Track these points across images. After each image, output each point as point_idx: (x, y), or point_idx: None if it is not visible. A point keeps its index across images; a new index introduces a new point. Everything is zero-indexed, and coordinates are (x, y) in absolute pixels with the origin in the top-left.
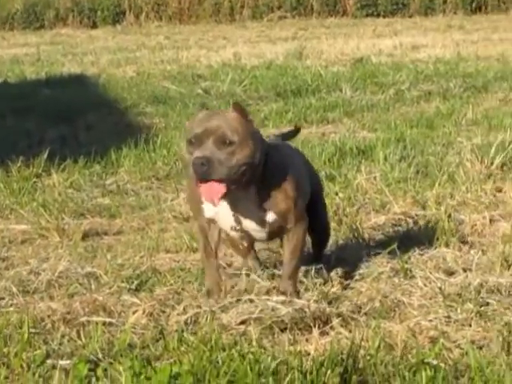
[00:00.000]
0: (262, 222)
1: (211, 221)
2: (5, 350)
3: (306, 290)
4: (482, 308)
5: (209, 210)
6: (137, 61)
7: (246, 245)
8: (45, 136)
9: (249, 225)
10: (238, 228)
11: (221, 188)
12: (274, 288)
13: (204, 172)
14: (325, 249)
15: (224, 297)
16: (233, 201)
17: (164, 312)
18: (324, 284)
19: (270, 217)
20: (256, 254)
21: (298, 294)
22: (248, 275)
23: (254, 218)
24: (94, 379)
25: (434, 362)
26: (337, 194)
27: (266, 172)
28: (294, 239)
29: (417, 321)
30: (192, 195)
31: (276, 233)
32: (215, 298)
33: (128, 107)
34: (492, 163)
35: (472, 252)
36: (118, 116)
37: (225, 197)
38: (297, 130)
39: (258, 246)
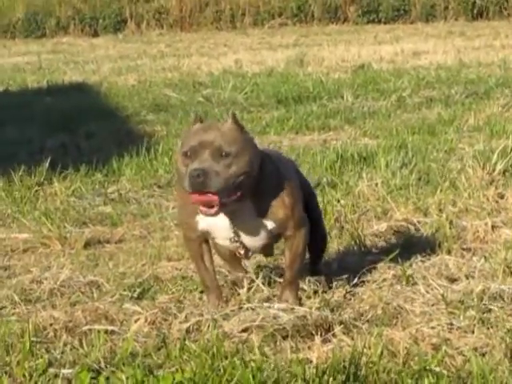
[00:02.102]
0: (260, 232)
1: (204, 233)
2: (7, 358)
3: (308, 297)
4: (485, 315)
5: (203, 223)
6: (138, 69)
7: (242, 253)
8: (46, 144)
9: (247, 235)
10: (236, 239)
11: (216, 200)
12: (275, 296)
13: (201, 183)
14: (322, 257)
15: (225, 304)
16: (229, 212)
17: (166, 320)
18: (326, 291)
19: (269, 226)
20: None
21: (299, 301)
22: (251, 283)
23: (252, 228)
24: None
25: (437, 369)
26: (338, 201)
27: (262, 180)
28: (294, 246)
29: (419, 328)
30: (184, 208)
31: (273, 242)
32: (216, 305)
33: (129, 115)
34: (494, 169)
35: (474, 259)
36: (120, 124)
37: (221, 209)
38: None
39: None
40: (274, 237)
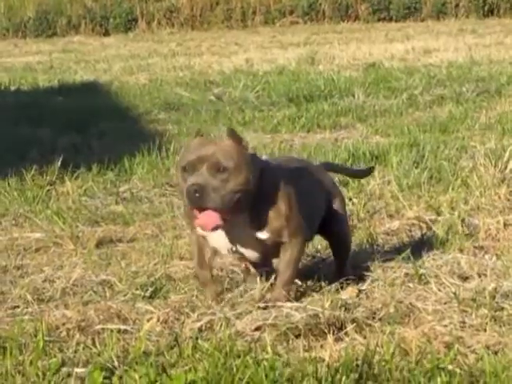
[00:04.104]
0: (256, 242)
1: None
2: (20, 358)
3: (321, 295)
4: (497, 313)
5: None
6: (149, 68)
7: (245, 265)
8: (58, 144)
9: (243, 246)
10: (234, 250)
11: (216, 219)
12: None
13: (198, 199)
14: (346, 261)
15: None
16: (226, 224)
17: (178, 319)
18: (338, 290)
19: (264, 235)
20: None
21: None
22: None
23: (248, 238)
24: None
25: (449, 368)
26: (350, 199)
27: (259, 192)
28: (289, 253)
29: (431, 326)
30: (188, 213)
31: (272, 253)
32: (215, 299)
33: (141, 114)
34: (506, 167)
35: (486, 257)
36: (131, 123)
37: (220, 228)
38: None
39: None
40: (271, 247)
